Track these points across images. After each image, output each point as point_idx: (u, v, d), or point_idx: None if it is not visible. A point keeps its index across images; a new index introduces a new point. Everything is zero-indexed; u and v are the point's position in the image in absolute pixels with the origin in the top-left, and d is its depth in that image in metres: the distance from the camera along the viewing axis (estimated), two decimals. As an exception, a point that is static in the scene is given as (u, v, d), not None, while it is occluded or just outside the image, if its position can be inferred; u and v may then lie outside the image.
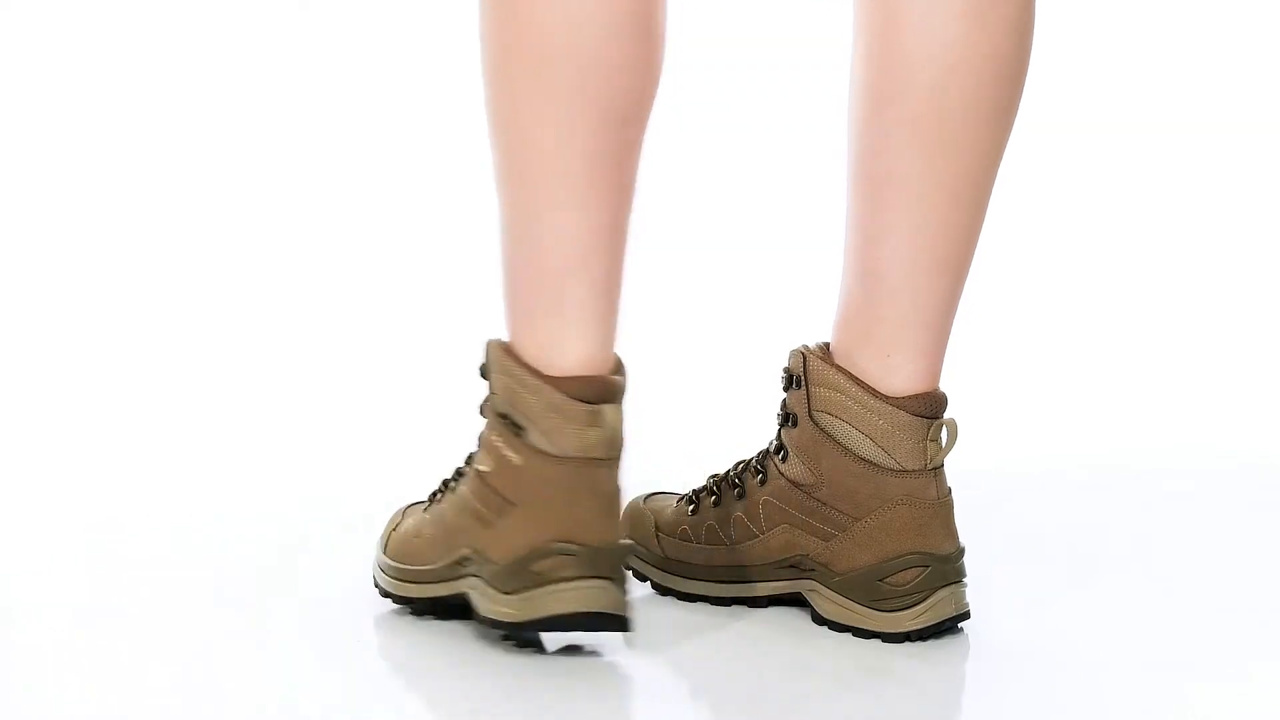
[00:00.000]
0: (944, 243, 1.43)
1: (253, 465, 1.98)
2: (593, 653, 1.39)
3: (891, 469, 1.42)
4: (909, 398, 1.42)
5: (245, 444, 2.07)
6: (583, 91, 1.35)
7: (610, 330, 1.40)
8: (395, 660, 1.40)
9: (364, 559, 1.53)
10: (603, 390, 1.37)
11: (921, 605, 1.40)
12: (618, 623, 1.36)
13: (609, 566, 1.35)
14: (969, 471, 1.53)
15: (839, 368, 1.44)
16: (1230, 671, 1.38)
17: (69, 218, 2.66)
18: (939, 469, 1.43)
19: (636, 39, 1.36)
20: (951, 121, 1.41)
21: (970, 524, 1.48)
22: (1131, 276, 2.59)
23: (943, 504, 1.42)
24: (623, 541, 1.38)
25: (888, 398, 1.42)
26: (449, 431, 1.56)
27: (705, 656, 1.40)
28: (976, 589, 1.44)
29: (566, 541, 1.35)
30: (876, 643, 1.41)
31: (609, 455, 1.37)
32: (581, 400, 1.36)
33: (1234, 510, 1.83)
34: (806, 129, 2.65)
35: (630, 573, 1.53)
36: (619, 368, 1.40)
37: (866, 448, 1.42)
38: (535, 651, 1.40)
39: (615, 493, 1.37)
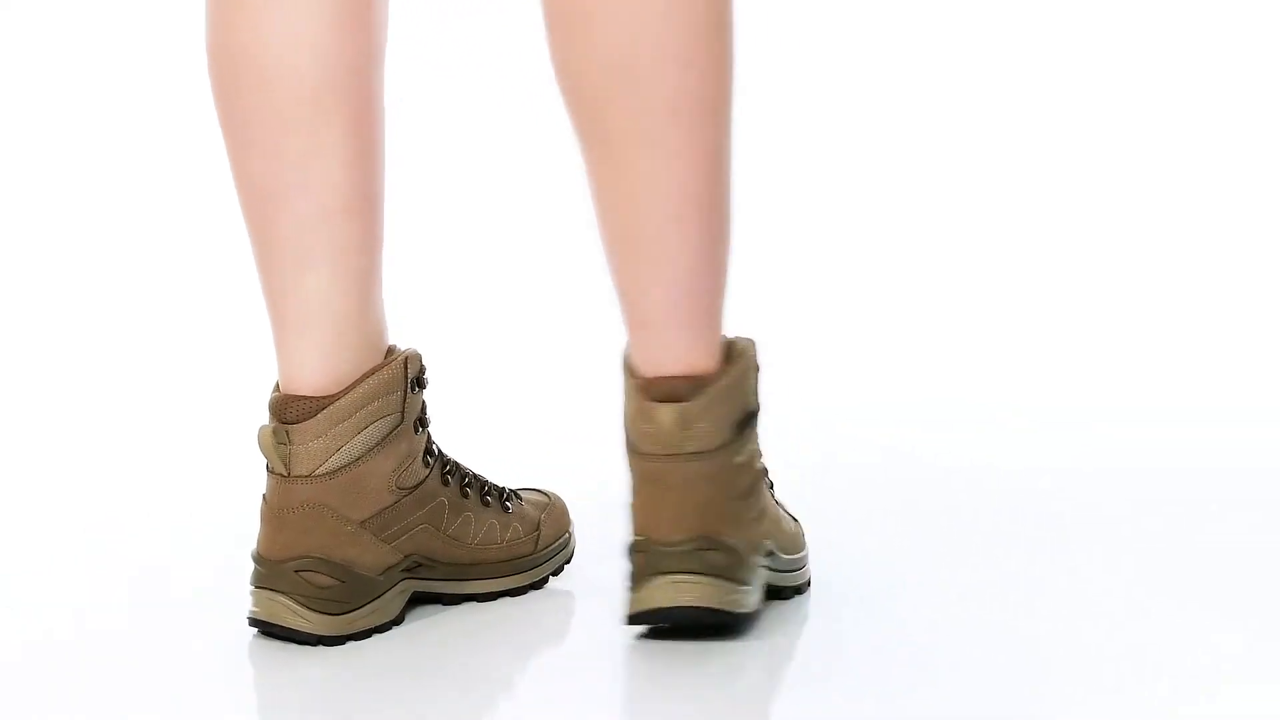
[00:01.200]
0: (622, 244, 1.40)
1: (253, 465, 1.98)
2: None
3: (637, 451, 1.41)
4: (652, 379, 1.40)
5: (246, 443, 2.07)
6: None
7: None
8: (392, 657, 1.40)
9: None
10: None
11: (632, 593, 1.38)
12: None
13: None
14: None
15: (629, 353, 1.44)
16: (1227, 670, 1.38)
17: (70, 219, 2.66)
18: (695, 454, 1.38)
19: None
20: (591, 102, 1.38)
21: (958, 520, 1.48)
22: (1100, 270, 2.58)
23: (671, 490, 1.39)
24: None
25: (637, 378, 1.41)
26: (444, 430, 1.56)
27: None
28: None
29: None
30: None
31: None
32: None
33: (1184, 502, 1.83)
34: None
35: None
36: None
37: (628, 429, 1.43)
38: (539, 651, 1.41)
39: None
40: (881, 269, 2.57)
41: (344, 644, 1.42)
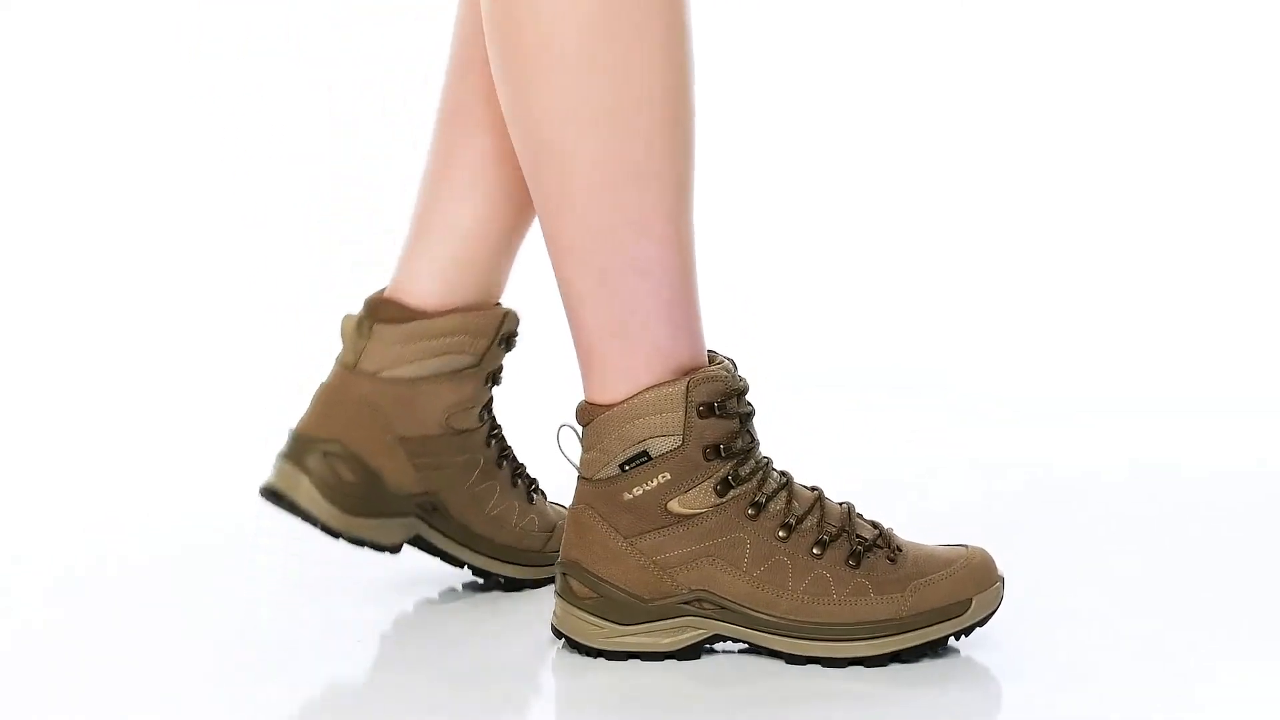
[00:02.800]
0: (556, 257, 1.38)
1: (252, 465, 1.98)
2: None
3: None
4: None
5: (244, 444, 2.07)
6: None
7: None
8: (392, 656, 1.41)
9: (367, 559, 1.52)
10: None
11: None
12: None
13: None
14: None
15: None
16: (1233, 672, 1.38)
17: (68, 219, 2.66)
18: (583, 478, 1.38)
19: None
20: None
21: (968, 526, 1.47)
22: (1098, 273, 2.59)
23: (570, 509, 1.40)
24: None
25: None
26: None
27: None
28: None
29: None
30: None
31: None
32: None
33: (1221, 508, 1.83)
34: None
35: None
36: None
37: None
38: (540, 650, 1.41)
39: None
40: (881, 270, 2.57)
41: (338, 540, 1.44)
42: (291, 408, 2.15)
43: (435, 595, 1.53)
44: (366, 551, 1.47)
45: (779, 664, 1.35)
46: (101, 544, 1.73)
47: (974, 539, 1.43)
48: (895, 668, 1.34)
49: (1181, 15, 2.65)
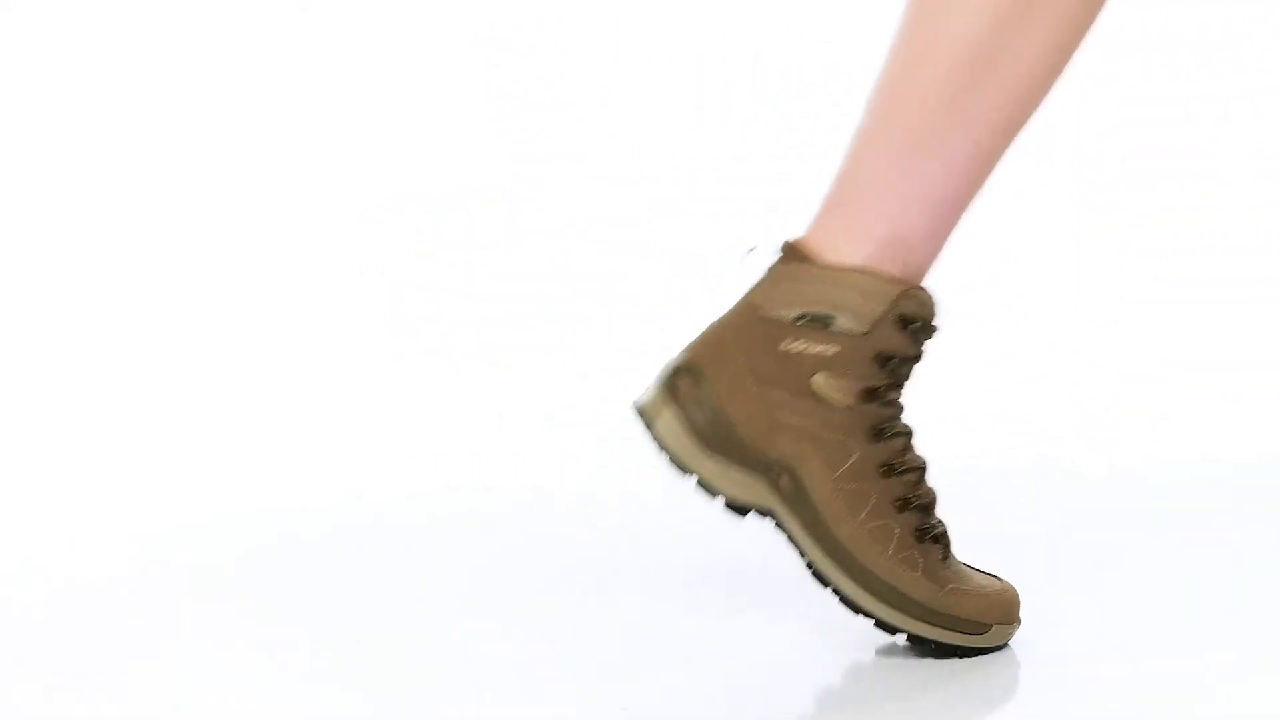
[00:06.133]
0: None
1: (251, 469, 1.97)
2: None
3: None
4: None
5: (246, 447, 2.07)
6: None
7: None
8: (394, 653, 1.41)
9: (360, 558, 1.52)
10: None
11: None
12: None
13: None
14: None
15: None
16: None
17: (63, 219, 2.65)
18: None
19: None
20: None
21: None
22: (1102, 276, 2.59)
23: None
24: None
25: None
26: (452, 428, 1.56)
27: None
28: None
29: None
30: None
31: None
32: None
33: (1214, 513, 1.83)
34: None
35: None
36: None
37: None
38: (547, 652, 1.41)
39: None
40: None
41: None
42: (291, 411, 2.16)
43: (434, 597, 1.52)
44: (369, 550, 1.46)
45: (782, 662, 1.36)
46: (102, 547, 1.73)
47: (973, 538, 1.44)
48: (895, 667, 1.35)
49: (1159, 50, 2.65)
